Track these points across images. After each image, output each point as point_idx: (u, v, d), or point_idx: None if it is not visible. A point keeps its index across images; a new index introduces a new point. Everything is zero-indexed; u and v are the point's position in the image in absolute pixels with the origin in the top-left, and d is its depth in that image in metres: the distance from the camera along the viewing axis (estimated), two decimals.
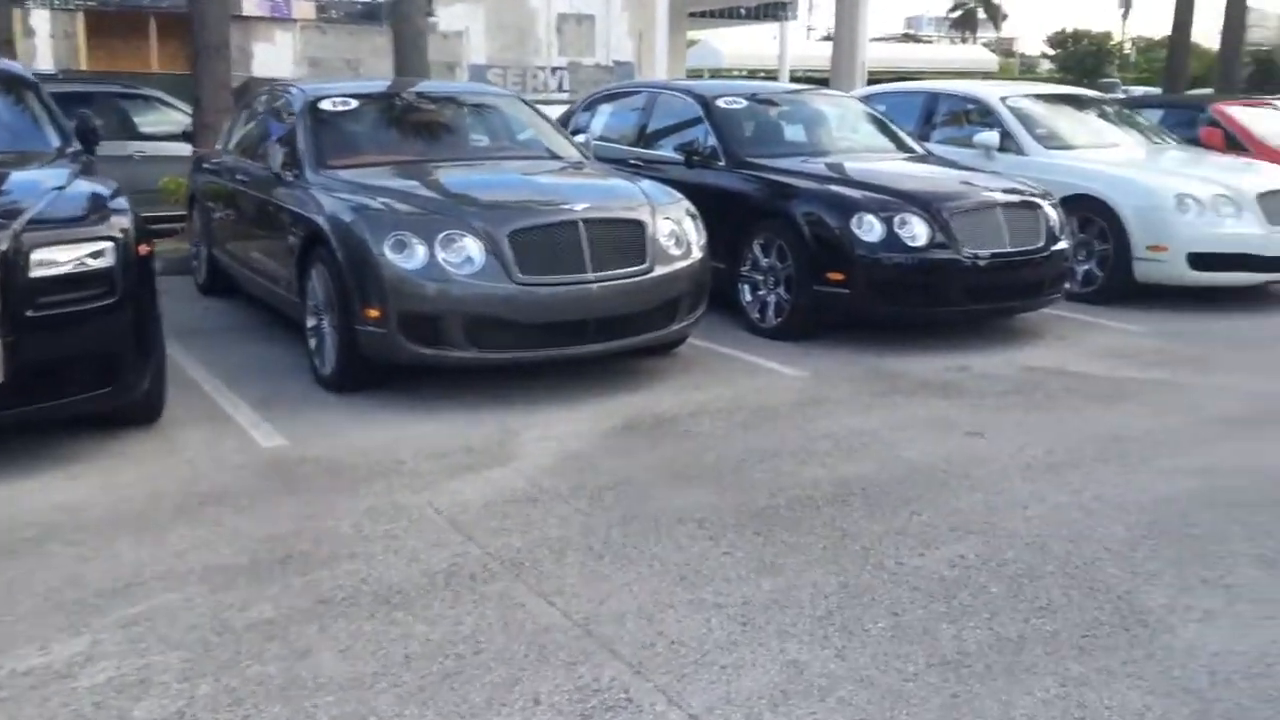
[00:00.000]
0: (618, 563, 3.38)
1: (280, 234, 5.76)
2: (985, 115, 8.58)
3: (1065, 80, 50.15)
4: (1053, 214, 6.62)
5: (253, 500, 3.87)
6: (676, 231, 5.48)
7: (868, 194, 6.31)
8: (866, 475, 4.20)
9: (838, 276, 6.12)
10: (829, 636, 2.93)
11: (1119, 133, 8.87)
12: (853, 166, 6.92)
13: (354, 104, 6.23)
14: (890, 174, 6.86)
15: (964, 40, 69.59)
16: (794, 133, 7.63)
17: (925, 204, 6.20)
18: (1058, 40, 61.87)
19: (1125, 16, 65.29)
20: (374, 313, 4.90)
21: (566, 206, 5.15)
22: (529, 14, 23.65)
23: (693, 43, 41.86)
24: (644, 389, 5.37)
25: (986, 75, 47.28)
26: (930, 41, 68.92)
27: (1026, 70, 64.51)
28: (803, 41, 51.46)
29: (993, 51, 64.68)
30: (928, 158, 7.57)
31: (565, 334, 5.05)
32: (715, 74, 44.07)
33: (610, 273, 5.09)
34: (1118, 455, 4.46)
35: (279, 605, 3.07)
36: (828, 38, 44.48)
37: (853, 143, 7.68)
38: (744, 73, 47.75)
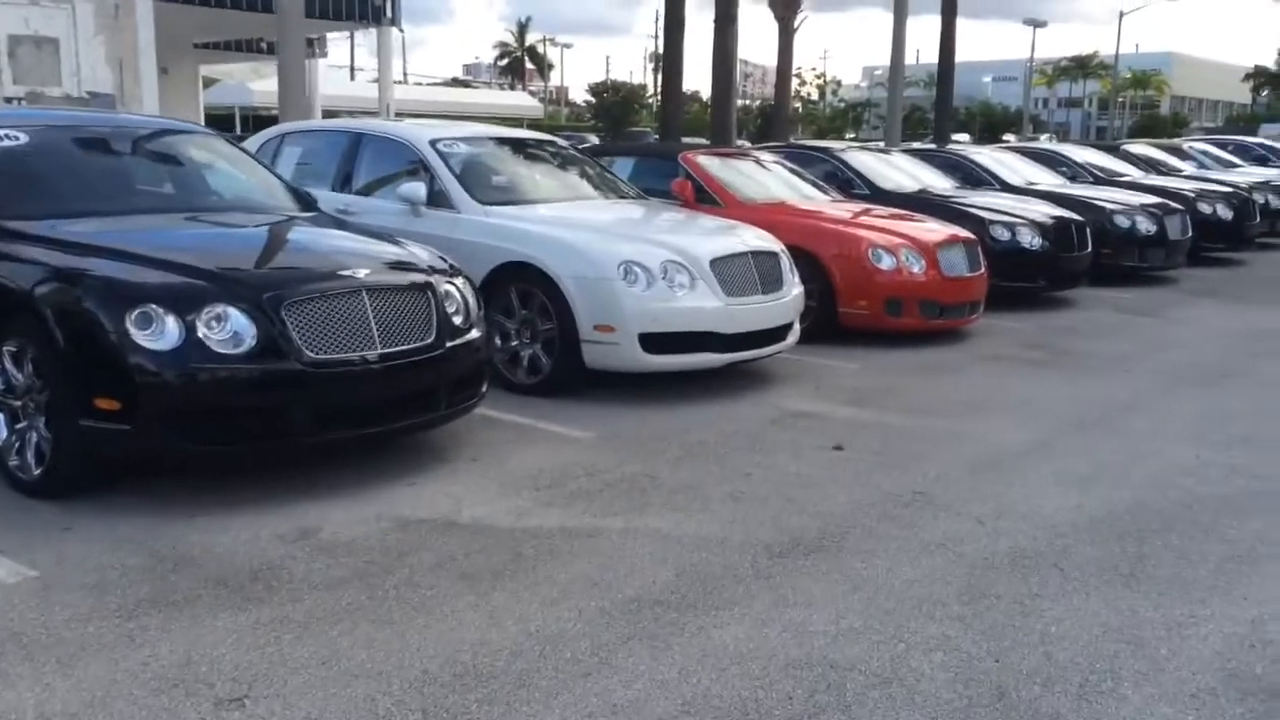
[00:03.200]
0: None
1: None
2: (414, 162, 6.87)
3: (597, 129, 51.90)
4: (458, 296, 4.94)
5: None
6: None
7: (165, 276, 4.24)
8: None
9: (111, 405, 3.98)
10: None
11: (581, 186, 7.53)
12: (165, 234, 4.82)
13: None
14: (216, 245, 4.89)
15: (512, 87, 70.45)
16: (107, 181, 5.35)
17: (253, 291, 4.23)
18: (597, 90, 64.24)
19: (656, 70, 69.36)
20: None
21: None
22: None
23: (212, 81, 37.87)
24: None
25: (533, 123, 47.49)
26: (478, 87, 69.00)
27: (574, 118, 66.42)
28: (346, 82, 48.89)
29: (542, 100, 66.08)
30: (316, 219, 5.63)
31: None
32: (246, 114, 40.40)
33: None
34: None
35: None
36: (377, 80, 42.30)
37: (207, 199, 5.59)
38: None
